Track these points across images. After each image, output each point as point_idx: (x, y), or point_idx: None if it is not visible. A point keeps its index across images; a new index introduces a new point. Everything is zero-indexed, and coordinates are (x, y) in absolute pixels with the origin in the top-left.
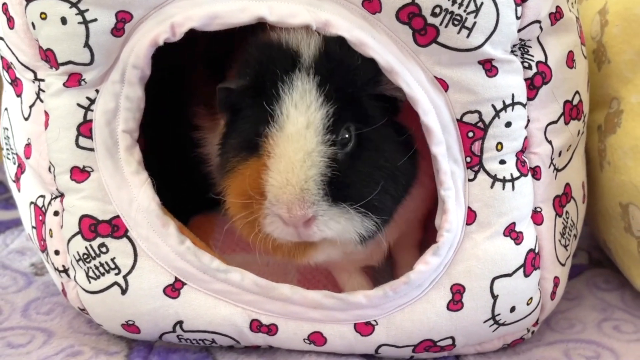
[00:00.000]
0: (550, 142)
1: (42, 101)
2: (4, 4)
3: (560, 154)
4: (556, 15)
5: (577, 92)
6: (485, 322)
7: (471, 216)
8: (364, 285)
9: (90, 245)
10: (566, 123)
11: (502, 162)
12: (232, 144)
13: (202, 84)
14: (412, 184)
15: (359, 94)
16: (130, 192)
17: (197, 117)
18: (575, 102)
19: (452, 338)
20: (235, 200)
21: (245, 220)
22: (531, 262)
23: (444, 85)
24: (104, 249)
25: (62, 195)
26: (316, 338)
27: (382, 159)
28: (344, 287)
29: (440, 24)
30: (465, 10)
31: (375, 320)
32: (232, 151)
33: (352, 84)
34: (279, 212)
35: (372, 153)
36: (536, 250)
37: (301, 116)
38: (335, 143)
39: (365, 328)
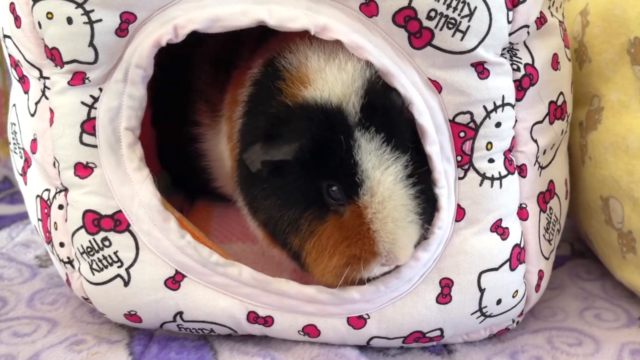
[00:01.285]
0: (535, 141)
1: (47, 98)
2: (11, 3)
3: (544, 152)
4: (541, 20)
5: (561, 93)
6: (472, 314)
7: (460, 213)
8: None
9: (94, 239)
10: (551, 123)
11: (491, 160)
12: (290, 201)
13: (207, 83)
14: None
15: (403, 126)
16: (132, 188)
17: (198, 113)
18: (559, 102)
19: (441, 329)
20: (337, 262)
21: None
22: (517, 256)
23: (437, 87)
24: (107, 243)
25: (66, 190)
26: (310, 330)
27: (423, 173)
28: None
29: (435, 27)
30: (459, 14)
31: (367, 314)
32: (292, 207)
33: (398, 123)
34: (393, 262)
35: (424, 176)
36: (521, 245)
37: (387, 176)
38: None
39: (357, 322)
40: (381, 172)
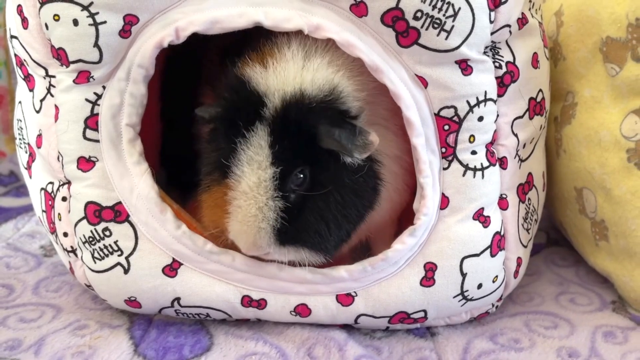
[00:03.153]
0: (516, 135)
1: (52, 96)
2: (19, 5)
3: (524, 146)
4: (523, 21)
5: (540, 90)
6: (454, 297)
7: (445, 201)
8: None
9: (95, 229)
10: (530, 118)
11: (474, 152)
12: (208, 160)
13: (216, 73)
14: (368, 211)
15: (314, 144)
16: (132, 181)
17: (204, 96)
18: (538, 99)
19: (425, 311)
20: (207, 221)
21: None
22: (497, 243)
23: (424, 82)
24: (107, 233)
25: (69, 183)
26: (302, 310)
27: (332, 204)
28: None
29: (422, 27)
30: (444, 15)
31: (355, 292)
32: (207, 167)
33: (308, 133)
34: (237, 244)
35: (322, 198)
36: (502, 233)
37: (253, 174)
38: (288, 189)
39: (346, 299)
40: (250, 169)
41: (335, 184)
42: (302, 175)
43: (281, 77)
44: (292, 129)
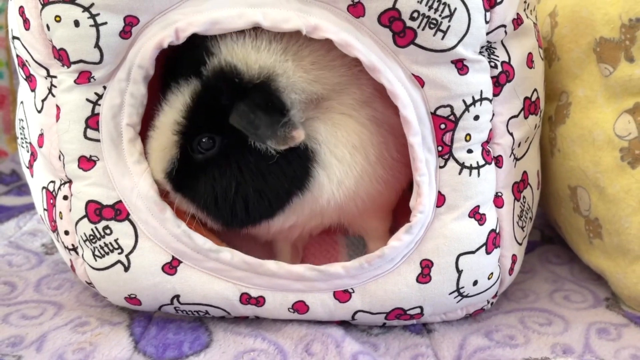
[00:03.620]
0: (511, 134)
1: (53, 96)
2: (21, 7)
3: (519, 145)
4: (518, 21)
5: (535, 89)
6: (450, 294)
7: (441, 199)
8: (287, 256)
9: (96, 227)
10: (525, 117)
11: (470, 151)
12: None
13: None
14: (277, 199)
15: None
16: (132, 180)
17: None
18: (533, 98)
19: (421, 307)
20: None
21: None
22: (492, 241)
23: (420, 82)
24: (108, 231)
25: (70, 182)
26: (300, 307)
27: (230, 178)
28: (275, 247)
29: (418, 27)
30: (440, 15)
31: (352, 289)
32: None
33: (226, 97)
34: None
35: (222, 170)
36: (497, 231)
37: (169, 113)
38: (194, 145)
39: (343, 295)
40: (169, 109)
41: (239, 163)
42: (210, 141)
43: (230, 48)
44: (216, 96)
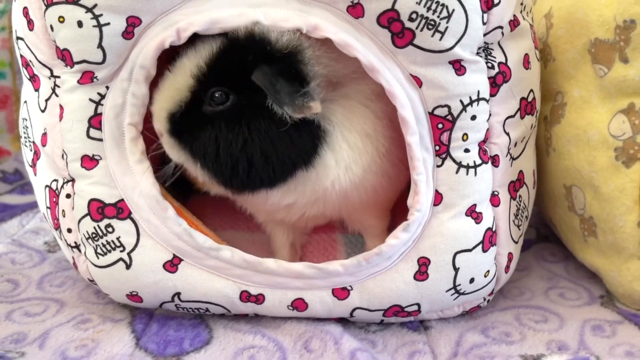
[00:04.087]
0: (508, 134)
1: (57, 95)
2: (25, 7)
3: (515, 145)
4: (514, 23)
5: (531, 90)
6: (447, 291)
7: (438, 198)
8: (285, 253)
9: (98, 225)
10: (522, 117)
11: (467, 150)
12: None
13: None
14: (281, 168)
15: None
16: (134, 179)
17: None
18: (529, 99)
19: (418, 304)
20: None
21: None
22: (489, 239)
23: (418, 82)
24: (110, 229)
25: (73, 180)
26: (299, 304)
27: (237, 136)
28: (273, 245)
29: (416, 28)
30: (438, 16)
31: (350, 286)
32: None
33: (251, 66)
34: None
35: (230, 126)
36: (493, 229)
37: (186, 60)
38: (205, 96)
39: (341, 293)
40: (191, 56)
41: (250, 123)
42: (224, 96)
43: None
44: (244, 55)
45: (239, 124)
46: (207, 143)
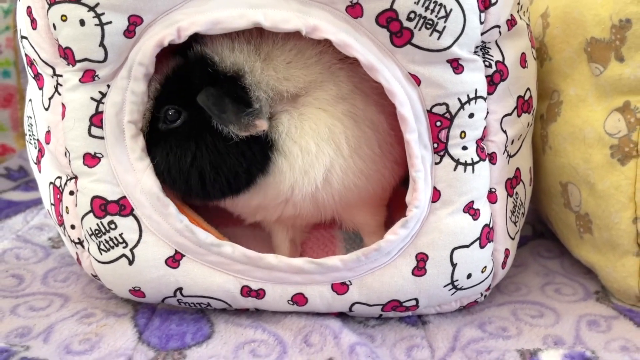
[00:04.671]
0: (505, 132)
1: (59, 94)
2: (28, 7)
3: (512, 142)
4: (512, 22)
5: (528, 88)
6: (445, 286)
7: (436, 195)
8: (285, 249)
9: (101, 222)
10: (518, 115)
11: (465, 148)
12: None
13: None
14: (233, 179)
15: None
16: (135, 176)
17: None
18: (526, 97)
19: (416, 299)
20: None
21: None
22: (486, 235)
23: (417, 80)
24: (113, 226)
25: (76, 178)
26: (299, 299)
27: (193, 149)
28: (273, 242)
29: (415, 27)
30: (436, 16)
31: (349, 281)
32: None
33: (199, 86)
34: None
35: (188, 142)
36: (490, 226)
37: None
38: (160, 114)
39: (340, 287)
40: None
41: (197, 138)
42: (177, 114)
43: (213, 41)
44: (191, 75)
45: (187, 140)
46: (160, 159)
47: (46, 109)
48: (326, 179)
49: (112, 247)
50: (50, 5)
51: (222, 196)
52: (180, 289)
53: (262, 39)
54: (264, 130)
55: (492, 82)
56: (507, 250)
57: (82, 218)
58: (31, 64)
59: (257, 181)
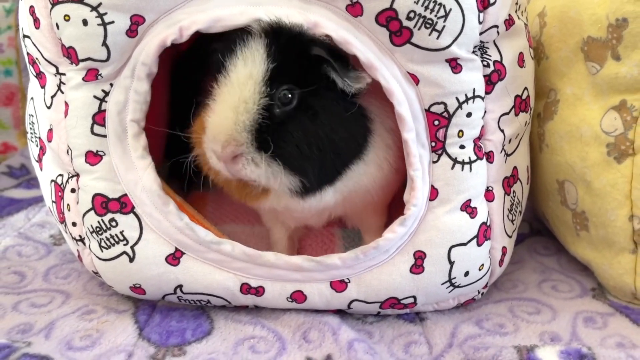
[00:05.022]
0: (502, 131)
1: (62, 92)
2: (31, 6)
3: (510, 141)
4: (510, 22)
5: (525, 88)
6: (442, 284)
7: (434, 193)
8: (283, 247)
9: (102, 219)
10: (516, 115)
11: (462, 147)
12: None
13: None
14: (354, 157)
15: (305, 57)
16: (136, 174)
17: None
18: (524, 96)
19: (414, 297)
20: (194, 136)
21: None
22: (483, 233)
23: (415, 79)
24: (114, 223)
25: (77, 175)
26: (298, 296)
27: (319, 127)
28: (272, 238)
29: (414, 26)
30: (436, 15)
31: (348, 279)
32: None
33: (306, 61)
34: (212, 146)
35: (310, 119)
36: (488, 224)
37: (244, 68)
38: (274, 98)
39: (339, 285)
40: (243, 63)
41: (325, 111)
42: (289, 95)
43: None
44: (289, 47)
45: (316, 115)
46: (295, 144)
47: (48, 107)
48: (386, 176)
49: (113, 245)
50: (53, 5)
51: (329, 182)
52: (180, 286)
53: None
54: (369, 83)
55: (490, 82)
56: (504, 248)
57: (84, 215)
58: (33, 62)
59: (348, 169)
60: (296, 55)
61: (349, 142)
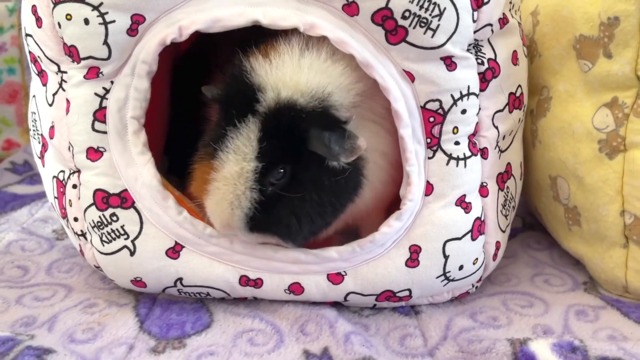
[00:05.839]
0: (496, 128)
1: (64, 90)
2: (33, 5)
3: (504, 138)
4: (504, 20)
5: (519, 85)
6: (437, 277)
7: (429, 188)
8: None
9: (103, 214)
10: (510, 112)
11: (457, 143)
12: (209, 134)
13: (227, 62)
14: (345, 208)
15: (301, 145)
16: (136, 170)
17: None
18: (518, 94)
19: (409, 290)
20: (193, 191)
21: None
22: (477, 228)
23: (411, 77)
24: (114, 218)
25: (79, 171)
26: (295, 288)
27: (308, 200)
28: None
29: (409, 25)
30: (430, 14)
31: (344, 272)
32: (205, 140)
33: (297, 135)
34: (211, 220)
35: (300, 198)
36: (482, 219)
37: (236, 165)
38: (267, 181)
39: (336, 278)
40: (235, 159)
41: (315, 185)
42: (282, 171)
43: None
44: (282, 129)
45: (306, 191)
46: (285, 221)
47: (50, 105)
48: (382, 190)
49: (114, 239)
50: (55, 4)
51: (332, 224)
52: (180, 279)
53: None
54: (365, 149)
55: (485, 79)
56: (498, 242)
57: (85, 210)
58: (35, 61)
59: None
60: (292, 135)
61: (339, 202)
